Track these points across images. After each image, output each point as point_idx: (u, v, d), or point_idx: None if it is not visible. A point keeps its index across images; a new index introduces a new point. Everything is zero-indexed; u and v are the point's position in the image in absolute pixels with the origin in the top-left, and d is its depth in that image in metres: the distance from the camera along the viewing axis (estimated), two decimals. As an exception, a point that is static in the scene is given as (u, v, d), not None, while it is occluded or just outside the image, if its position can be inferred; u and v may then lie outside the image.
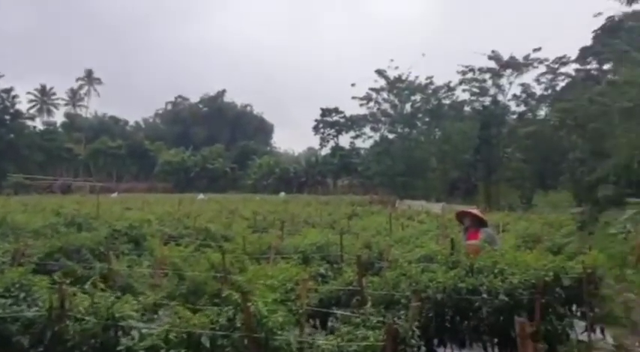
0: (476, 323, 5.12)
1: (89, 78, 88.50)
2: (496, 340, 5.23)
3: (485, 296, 5.06)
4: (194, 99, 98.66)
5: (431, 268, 5.78)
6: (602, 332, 7.26)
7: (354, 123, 57.34)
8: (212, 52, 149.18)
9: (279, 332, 3.76)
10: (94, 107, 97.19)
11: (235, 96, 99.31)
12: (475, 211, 8.74)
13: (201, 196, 48.34)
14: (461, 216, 8.56)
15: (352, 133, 59.21)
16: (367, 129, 54.75)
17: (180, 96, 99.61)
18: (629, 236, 14.89)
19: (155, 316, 4.64)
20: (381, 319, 3.93)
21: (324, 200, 41.15)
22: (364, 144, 57.43)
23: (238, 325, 3.72)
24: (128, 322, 4.09)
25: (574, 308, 6.65)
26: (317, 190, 63.28)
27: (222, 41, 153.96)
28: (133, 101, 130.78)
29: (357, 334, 3.70)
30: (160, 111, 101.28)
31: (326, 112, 63.13)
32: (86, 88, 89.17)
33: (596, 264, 7.08)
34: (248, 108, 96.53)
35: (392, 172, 44.62)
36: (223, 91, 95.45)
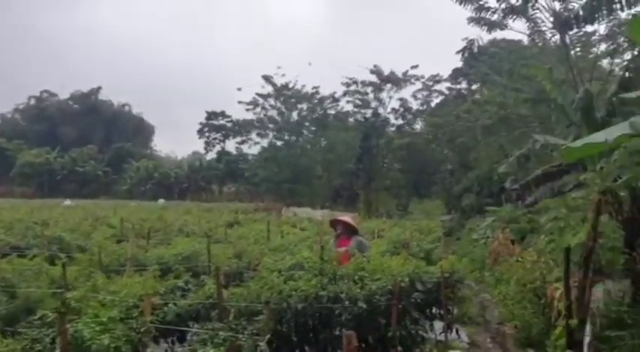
0: (337, 331, 5.04)
1: None
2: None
3: (346, 303, 5.00)
4: (63, 95, 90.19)
5: (294, 277, 5.62)
6: (457, 331, 7.71)
7: (241, 127, 56.44)
8: (87, 44, 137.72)
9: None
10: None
11: (112, 95, 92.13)
12: (346, 219, 8.84)
13: (67, 202, 44.01)
14: (334, 224, 8.63)
15: (239, 138, 58.13)
16: (254, 135, 54.32)
17: (46, 91, 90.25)
18: (488, 241, 16.32)
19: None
20: (230, 334, 3.63)
21: (207, 207, 39.76)
22: (251, 149, 56.80)
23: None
24: None
25: (434, 310, 6.96)
26: (201, 197, 61.11)
27: (100, 35, 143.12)
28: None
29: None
30: (21, 107, 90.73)
31: (212, 116, 61.42)
32: None
33: (455, 267, 7.51)
34: (126, 107, 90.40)
35: (278, 179, 44.86)
36: (98, 88, 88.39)
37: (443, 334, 7.29)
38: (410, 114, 42.58)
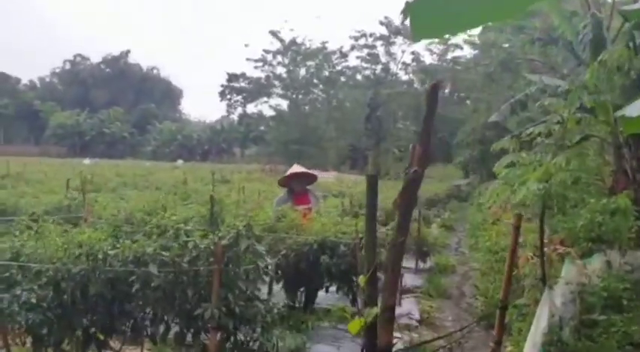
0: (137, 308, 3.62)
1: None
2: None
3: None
4: (96, 59, 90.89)
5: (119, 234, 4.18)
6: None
7: (262, 87, 54.82)
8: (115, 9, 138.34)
9: None
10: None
11: (141, 58, 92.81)
12: (303, 170, 7.94)
13: (86, 161, 44.45)
14: (292, 179, 7.59)
15: (261, 99, 56.73)
16: (275, 96, 52.65)
17: (79, 55, 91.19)
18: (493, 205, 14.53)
19: None
20: None
21: (219, 168, 39.04)
22: (271, 111, 55.38)
23: None
24: None
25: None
26: (222, 159, 60.66)
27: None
28: (26, 59, 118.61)
29: None
30: (58, 71, 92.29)
31: (232, 78, 59.93)
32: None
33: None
34: (154, 71, 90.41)
35: (286, 139, 43.26)
36: (127, 52, 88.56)
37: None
38: (423, 71, 39.14)
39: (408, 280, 9.00)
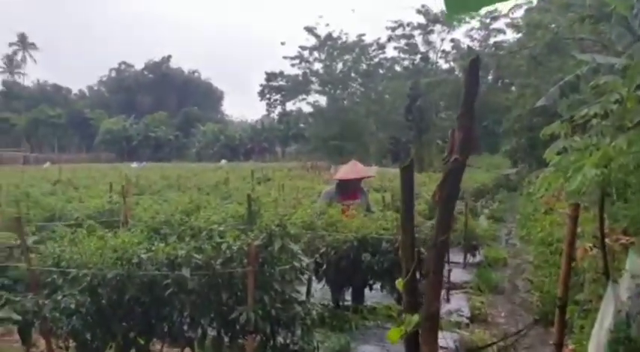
0: (173, 312, 3.54)
1: (23, 43, 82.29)
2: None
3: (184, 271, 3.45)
4: (139, 65, 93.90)
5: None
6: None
7: (299, 84, 54.89)
8: (155, 17, 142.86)
9: None
10: (35, 75, 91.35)
11: (182, 63, 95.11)
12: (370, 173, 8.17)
13: (134, 165, 45.83)
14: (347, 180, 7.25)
15: (299, 97, 56.85)
16: (313, 93, 52.54)
17: (124, 63, 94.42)
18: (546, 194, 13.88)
19: None
20: None
21: (262, 166, 39.39)
22: (310, 108, 55.37)
23: None
24: None
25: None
26: (264, 158, 61.26)
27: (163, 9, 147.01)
28: (76, 69, 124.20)
29: None
30: (104, 79, 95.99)
31: (271, 76, 60.35)
32: (21, 54, 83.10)
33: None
34: (195, 74, 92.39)
35: (325, 135, 42.92)
36: (169, 57, 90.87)
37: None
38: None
39: (457, 275, 8.64)
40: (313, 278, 6.19)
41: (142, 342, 3.72)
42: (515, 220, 16.28)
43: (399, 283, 1.90)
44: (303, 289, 4.64)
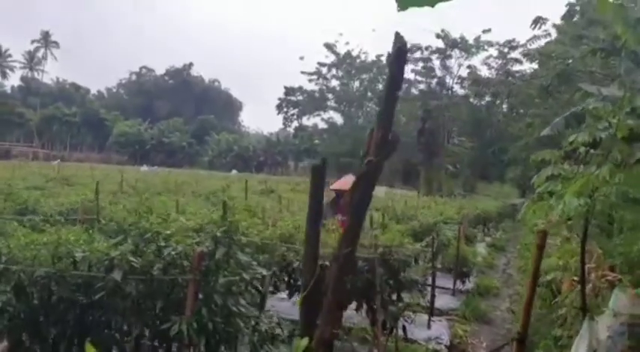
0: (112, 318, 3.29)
1: (45, 40, 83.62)
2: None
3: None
4: (159, 71, 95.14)
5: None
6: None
7: (315, 100, 55.11)
8: (179, 23, 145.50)
9: None
10: (55, 73, 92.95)
11: (203, 71, 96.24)
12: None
13: (144, 168, 46.08)
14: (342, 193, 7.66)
15: (315, 113, 57.04)
16: (329, 109, 52.63)
17: (144, 67, 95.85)
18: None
19: None
20: None
21: (274, 179, 39.24)
22: (325, 124, 55.46)
23: None
24: None
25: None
26: (277, 171, 61.22)
27: (189, 15, 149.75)
28: (96, 70, 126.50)
29: None
30: (124, 82, 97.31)
31: (290, 91, 60.72)
32: (42, 51, 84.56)
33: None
34: (215, 83, 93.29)
35: (337, 152, 42.51)
36: (190, 64, 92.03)
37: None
38: (478, 85, 37.36)
39: (444, 301, 8.31)
40: (285, 293, 5.92)
41: (76, 348, 3.46)
42: (516, 250, 15.89)
43: (298, 301, 1.65)
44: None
